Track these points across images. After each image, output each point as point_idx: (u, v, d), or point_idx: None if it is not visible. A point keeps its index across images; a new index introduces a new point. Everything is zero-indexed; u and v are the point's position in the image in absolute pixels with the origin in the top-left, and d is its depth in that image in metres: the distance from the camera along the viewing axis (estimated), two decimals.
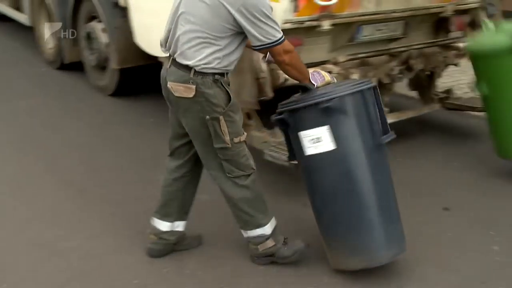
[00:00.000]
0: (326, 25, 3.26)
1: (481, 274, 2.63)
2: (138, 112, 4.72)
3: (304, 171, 2.57)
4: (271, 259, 2.66)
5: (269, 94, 3.17)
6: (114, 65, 4.71)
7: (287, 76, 2.86)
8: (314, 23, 3.23)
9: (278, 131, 3.42)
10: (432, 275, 2.62)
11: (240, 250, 2.75)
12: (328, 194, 2.50)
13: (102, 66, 5.01)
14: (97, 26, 4.91)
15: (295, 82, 2.58)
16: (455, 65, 4.10)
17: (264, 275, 2.60)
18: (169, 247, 2.74)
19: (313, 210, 2.62)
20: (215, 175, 2.54)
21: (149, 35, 4.14)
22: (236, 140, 2.45)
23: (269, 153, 3.22)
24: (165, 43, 2.48)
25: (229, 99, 2.42)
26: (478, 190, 3.47)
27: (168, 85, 2.41)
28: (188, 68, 2.35)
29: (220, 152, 2.45)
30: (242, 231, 2.68)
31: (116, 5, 4.48)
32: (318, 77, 2.55)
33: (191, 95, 2.35)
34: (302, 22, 3.19)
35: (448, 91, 4.36)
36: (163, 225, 2.70)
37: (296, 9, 3.10)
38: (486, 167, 3.73)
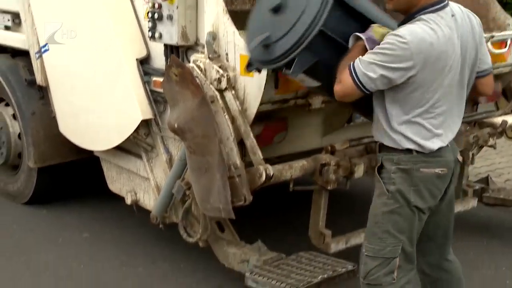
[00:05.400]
0: (316, 103, 3.25)
1: None
2: (66, 226, 4.50)
3: None
4: None
5: (247, 198, 3.08)
6: (30, 163, 4.57)
7: (270, 173, 3.08)
8: (301, 101, 3.23)
9: (262, 245, 3.35)
10: None
11: None
12: None
13: (12, 165, 4.85)
14: (4, 112, 4.79)
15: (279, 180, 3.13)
16: (491, 146, 4.15)
17: None
18: None
19: None
20: (450, 243, 3.05)
21: (78, 122, 4.06)
22: None
23: (252, 276, 3.15)
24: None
25: None
26: None
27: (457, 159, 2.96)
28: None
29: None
30: None
31: (32, 83, 4.39)
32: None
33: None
34: (286, 100, 3.17)
35: (486, 181, 4.38)
36: None
37: (276, 85, 3.08)
38: None
